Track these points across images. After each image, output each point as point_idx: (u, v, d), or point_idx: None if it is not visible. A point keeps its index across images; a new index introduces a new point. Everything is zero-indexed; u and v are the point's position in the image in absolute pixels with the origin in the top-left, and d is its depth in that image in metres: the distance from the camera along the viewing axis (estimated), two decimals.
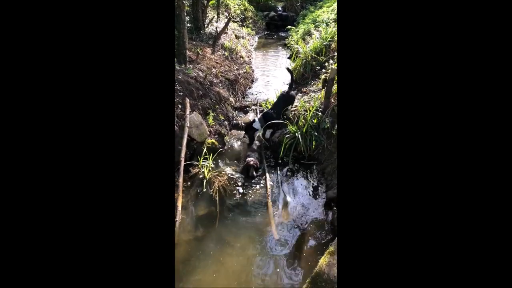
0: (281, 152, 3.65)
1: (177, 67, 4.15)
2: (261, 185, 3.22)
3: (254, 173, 3.29)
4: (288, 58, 7.35)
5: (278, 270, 2.26)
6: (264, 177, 3.30)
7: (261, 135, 3.93)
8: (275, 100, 4.31)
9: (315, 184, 3.29)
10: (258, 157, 3.59)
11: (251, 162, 3.33)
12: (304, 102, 4.24)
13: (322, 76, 4.69)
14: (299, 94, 4.87)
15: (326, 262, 1.80)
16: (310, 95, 4.66)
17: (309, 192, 3.17)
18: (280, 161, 3.66)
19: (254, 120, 3.82)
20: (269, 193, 3.03)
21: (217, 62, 5.40)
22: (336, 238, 2.02)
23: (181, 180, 2.85)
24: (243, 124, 4.38)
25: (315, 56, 5.46)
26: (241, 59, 6.59)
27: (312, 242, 2.53)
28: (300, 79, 5.58)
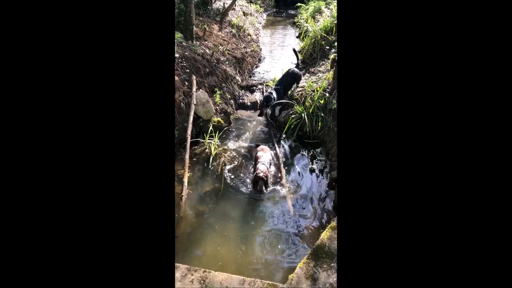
0: (285, 131, 3.66)
1: (183, 43, 4.09)
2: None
3: (264, 188, 2.78)
4: (297, 37, 7.15)
5: (280, 243, 2.34)
6: (275, 152, 3.32)
7: (267, 113, 3.94)
8: (280, 76, 4.27)
9: (320, 164, 3.31)
10: (271, 160, 3.05)
11: (261, 174, 2.73)
12: (312, 82, 4.18)
13: (331, 56, 4.59)
14: (307, 74, 4.79)
15: (328, 236, 1.85)
16: (318, 76, 4.58)
17: (313, 172, 3.19)
18: (285, 141, 3.68)
19: (270, 93, 3.81)
20: (283, 171, 3.06)
21: (224, 40, 5.29)
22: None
23: (187, 156, 2.89)
24: (249, 104, 4.37)
25: (325, 35, 5.30)
26: (249, 37, 6.44)
27: (314, 219, 2.59)
28: (308, 59, 5.46)
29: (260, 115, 3.93)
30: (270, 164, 3.00)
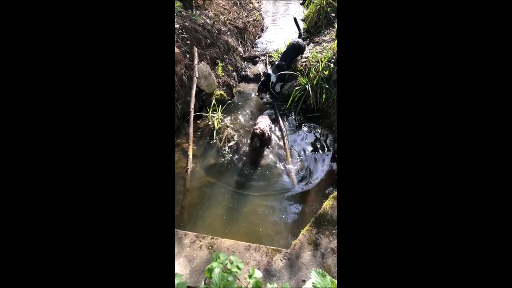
0: (289, 104, 3.64)
1: (183, 13, 3.93)
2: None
3: (258, 145, 2.86)
4: (301, 3, 6.81)
5: (285, 212, 2.42)
6: (278, 125, 3.33)
7: (271, 88, 3.88)
8: (284, 49, 4.15)
9: (323, 137, 3.32)
10: (272, 118, 3.18)
11: (257, 131, 2.83)
12: (316, 52, 4.05)
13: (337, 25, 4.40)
14: (311, 44, 4.63)
15: (330, 205, 1.91)
16: (323, 45, 4.42)
17: (317, 144, 3.21)
18: (288, 114, 3.66)
19: (269, 74, 3.75)
20: (286, 142, 3.10)
21: (225, 8, 5.07)
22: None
23: (191, 130, 2.91)
24: (252, 76, 4.29)
25: (331, 1, 5.04)
26: (251, 5, 6.16)
27: (318, 190, 2.66)
28: (313, 28, 5.25)
29: (260, 97, 3.85)
30: (270, 129, 3.04)
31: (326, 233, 1.87)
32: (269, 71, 3.79)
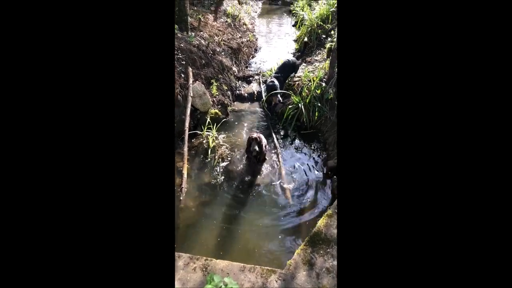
0: (283, 122, 3.70)
1: (178, 35, 4.05)
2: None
3: (256, 149, 2.89)
4: (293, 25, 7.07)
5: (280, 231, 2.41)
6: (272, 142, 3.37)
7: (264, 101, 4.03)
8: (279, 65, 4.32)
9: (317, 154, 3.36)
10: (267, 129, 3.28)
11: (254, 135, 2.91)
12: (308, 72, 4.18)
13: (327, 45, 4.58)
14: (303, 64, 4.78)
15: (324, 223, 1.92)
16: (315, 65, 4.57)
17: (311, 161, 3.25)
18: (282, 131, 3.71)
19: (272, 82, 3.89)
20: (281, 160, 3.13)
21: (219, 30, 5.23)
22: (334, 203, 2.13)
23: (185, 149, 2.93)
24: (246, 95, 4.38)
25: (321, 23, 5.26)
26: (244, 26, 6.36)
27: (312, 207, 2.66)
28: (304, 48, 5.43)
29: (267, 107, 4.00)
30: (264, 146, 3.05)
31: (321, 252, 1.86)
32: (275, 80, 3.94)
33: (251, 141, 2.89)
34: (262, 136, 2.98)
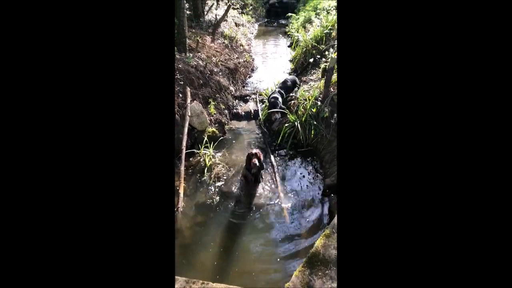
0: (280, 140, 3.73)
1: (177, 56, 4.15)
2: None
3: (257, 163, 2.85)
4: (288, 46, 7.29)
5: (276, 251, 2.36)
6: (270, 161, 3.38)
7: (261, 118, 4.15)
8: (281, 81, 4.49)
9: (314, 172, 3.37)
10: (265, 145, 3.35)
11: (254, 151, 2.91)
12: (304, 91, 4.27)
13: (322, 65, 4.71)
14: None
15: (322, 243, 1.89)
16: (310, 84, 4.67)
17: (308, 179, 3.25)
18: (279, 149, 3.73)
19: (276, 98, 4.02)
20: (278, 179, 3.13)
21: (217, 51, 5.38)
22: (331, 222, 2.11)
23: (182, 168, 2.93)
24: (243, 113, 4.45)
25: (315, 44, 5.43)
26: (241, 47, 6.55)
27: (310, 226, 2.63)
28: (300, 68, 5.58)
29: (267, 123, 4.13)
30: (262, 165, 3.05)
31: (319, 274, 1.82)
32: (276, 92, 4.11)
33: (251, 156, 2.87)
34: (260, 152, 3.00)
